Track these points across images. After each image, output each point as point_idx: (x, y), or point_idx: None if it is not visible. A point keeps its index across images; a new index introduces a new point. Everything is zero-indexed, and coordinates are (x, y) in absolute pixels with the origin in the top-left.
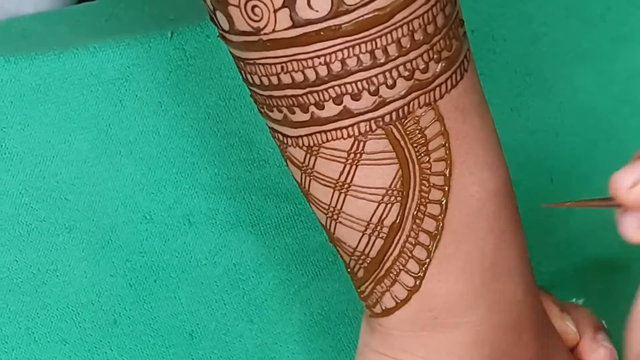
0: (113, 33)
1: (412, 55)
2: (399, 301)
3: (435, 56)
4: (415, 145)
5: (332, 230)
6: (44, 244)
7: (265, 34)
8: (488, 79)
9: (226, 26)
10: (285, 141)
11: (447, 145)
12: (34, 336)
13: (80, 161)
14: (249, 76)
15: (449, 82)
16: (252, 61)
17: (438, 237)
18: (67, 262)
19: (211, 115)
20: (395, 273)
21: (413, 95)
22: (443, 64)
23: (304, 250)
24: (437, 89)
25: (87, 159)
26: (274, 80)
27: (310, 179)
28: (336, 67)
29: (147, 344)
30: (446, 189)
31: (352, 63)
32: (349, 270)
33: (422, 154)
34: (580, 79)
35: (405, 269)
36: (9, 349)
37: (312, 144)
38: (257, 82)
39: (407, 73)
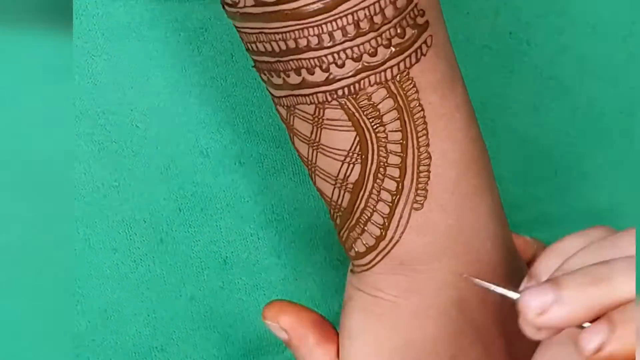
0: None
1: (358, 40)
2: (368, 247)
3: (384, 42)
4: (369, 117)
5: (313, 181)
6: (111, 162)
7: (240, 7)
8: (516, 77)
9: None
10: (274, 100)
11: (402, 118)
12: (89, 242)
13: (154, 95)
14: (242, 41)
15: (401, 64)
16: (238, 28)
17: (398, 195)
18: (129, 181)
19: None
20: (363, 223)
21: (363, 74)
22: (394, 50)
23: None
24: (389, 70)
25: (160, 94)
26: (253, 47)
27: (293, 135)
28: (291, 44)
29: (186, 264)
30: (403, 156)
31: (303, 43)
32: (331, 217)
33: (377, 125)
34: (595, 89)
35: (372, 221)
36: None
37: (289, 104)
38: (245, 47)
39: (355, 55)
